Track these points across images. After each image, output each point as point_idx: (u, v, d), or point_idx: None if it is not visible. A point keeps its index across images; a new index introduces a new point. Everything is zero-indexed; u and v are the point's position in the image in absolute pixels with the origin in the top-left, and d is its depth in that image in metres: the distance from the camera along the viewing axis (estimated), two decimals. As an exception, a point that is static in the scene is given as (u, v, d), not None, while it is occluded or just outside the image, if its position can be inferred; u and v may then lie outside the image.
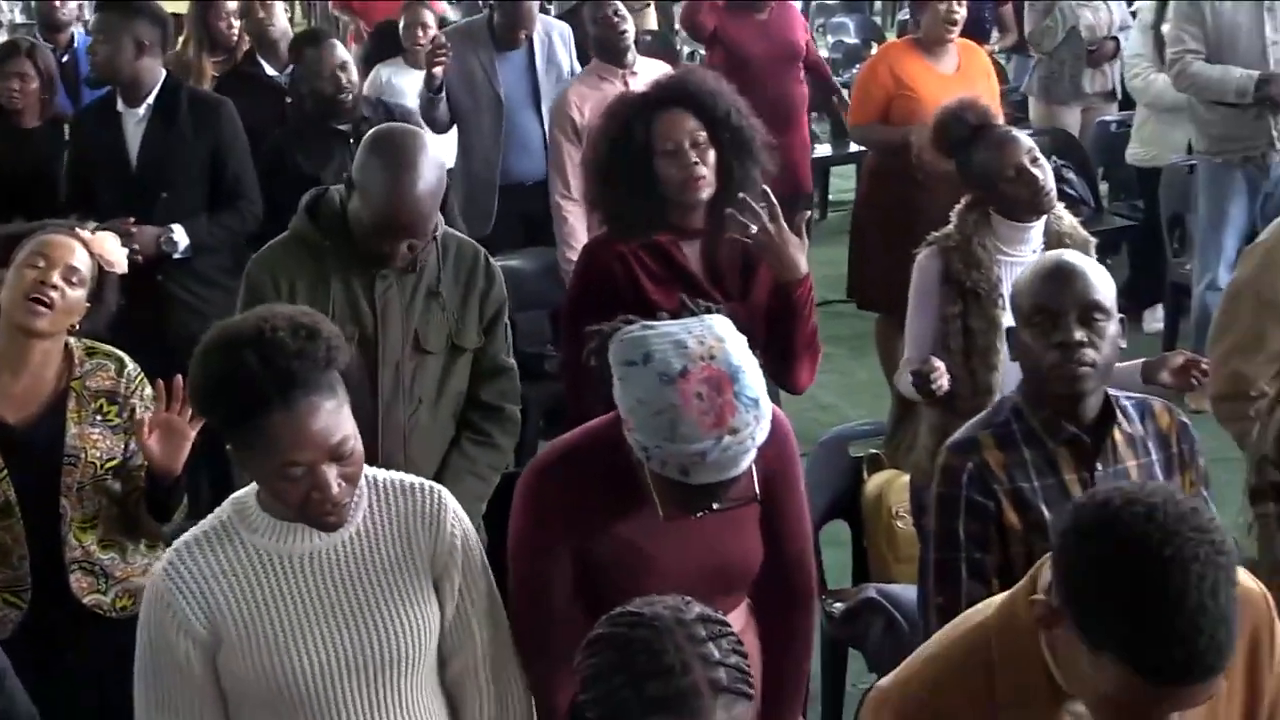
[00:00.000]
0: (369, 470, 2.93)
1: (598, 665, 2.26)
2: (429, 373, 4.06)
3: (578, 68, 7.41)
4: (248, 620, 2.79)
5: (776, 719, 3.26)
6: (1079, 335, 3.29)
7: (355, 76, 6.39)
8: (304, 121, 6.35)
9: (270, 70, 7.35)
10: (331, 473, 2.70)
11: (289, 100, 6.79)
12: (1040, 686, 2.28)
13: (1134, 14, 8.99)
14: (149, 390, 3.83)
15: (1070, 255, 3.60)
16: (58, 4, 8.40)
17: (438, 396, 4.09)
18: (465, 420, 4.17)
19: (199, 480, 4.89)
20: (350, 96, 6.29)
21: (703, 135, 4.16)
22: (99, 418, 3.75)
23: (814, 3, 14.56)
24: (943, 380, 4.34)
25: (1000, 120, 4.90)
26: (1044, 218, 4.57)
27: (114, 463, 3.77)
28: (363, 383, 3.77)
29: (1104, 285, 3.46)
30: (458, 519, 2.97)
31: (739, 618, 3.19)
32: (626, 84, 6.46)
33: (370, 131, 4.04)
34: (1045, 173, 4.55)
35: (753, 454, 2.85)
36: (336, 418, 2.72)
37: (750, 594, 3.29)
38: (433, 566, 2.92)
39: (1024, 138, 4.71)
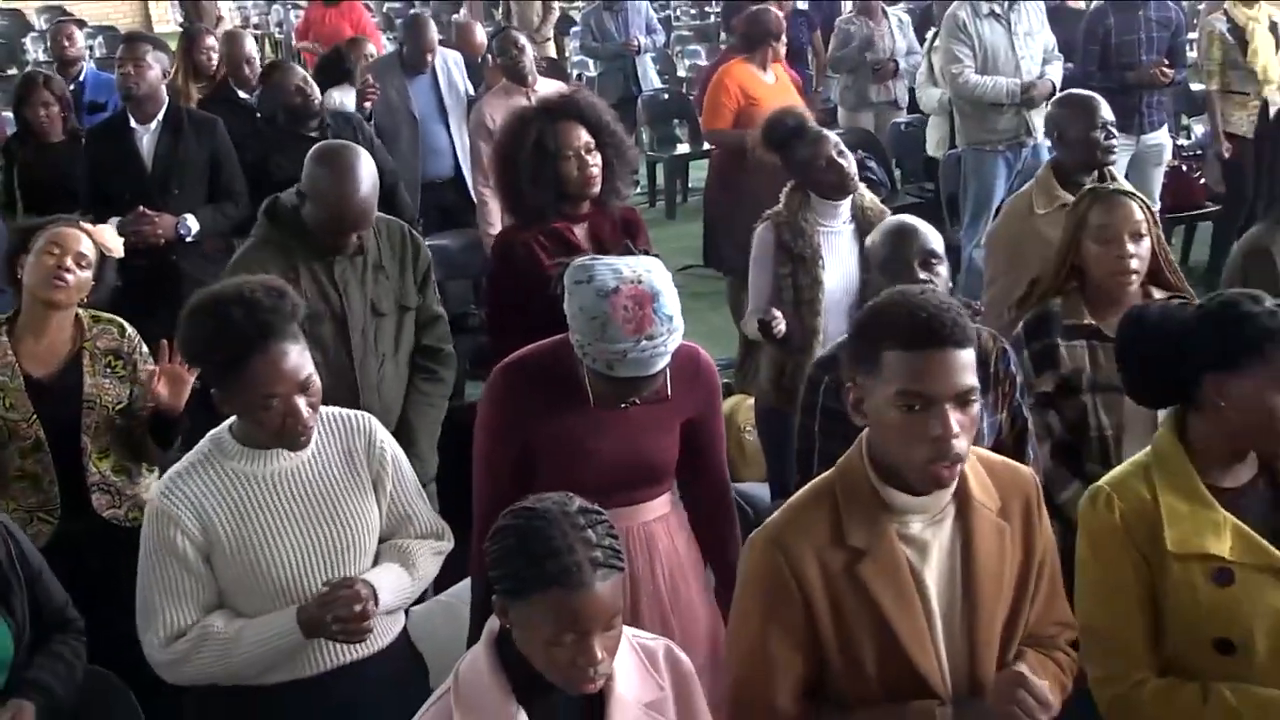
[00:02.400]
0: None
1: (502, 549, 2.25)
2: (386, 332, 4.07)
3: (471, 88, 7.49)
4: (234, 527, 2.85)
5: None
6: (923, 276, 3.35)
7: (316, 90, 6.35)
8: (279, 132, 6.26)
9: (242, 94, 7.27)
10: (301, 402, 2.81)
11: (259, 116, 6.71)
12: (871, 505, 2.35)
13: (921, 41, 9.06)
14: (145, 348, 3.88)
15: (909, 217, 3.64)
16: (67, 44, 8.29)
17: (395, 349, 4.11)
18: (414, 364, 4.19)
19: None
20: (315, 104, 6.27)
21: (592, 141, 4.18)
22: (109, 370, 3.80)
23: (673, 34, 14.55)
24: (780, 325, 4.44)
25: (813, 122, 4.96)
26: (850, 196, 4.64)
27: (122, 406, 3.80)
28: (340, 348, 3.93)
29: (936, 239, 3.53)
30: (385, 438, 3.07)
31: (663, 505, 3.24)
32: (529, 98, 6.44)
33: (314, 148, 4.00)
34: (849, 162, 4.61)
35: (666, 359, 2.92)
36: (302, 358, 2.83)
37: (686, 493, 3.33)
38: (370, 474, 3.00)
39: (832, 135, 4.78)
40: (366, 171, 3.86)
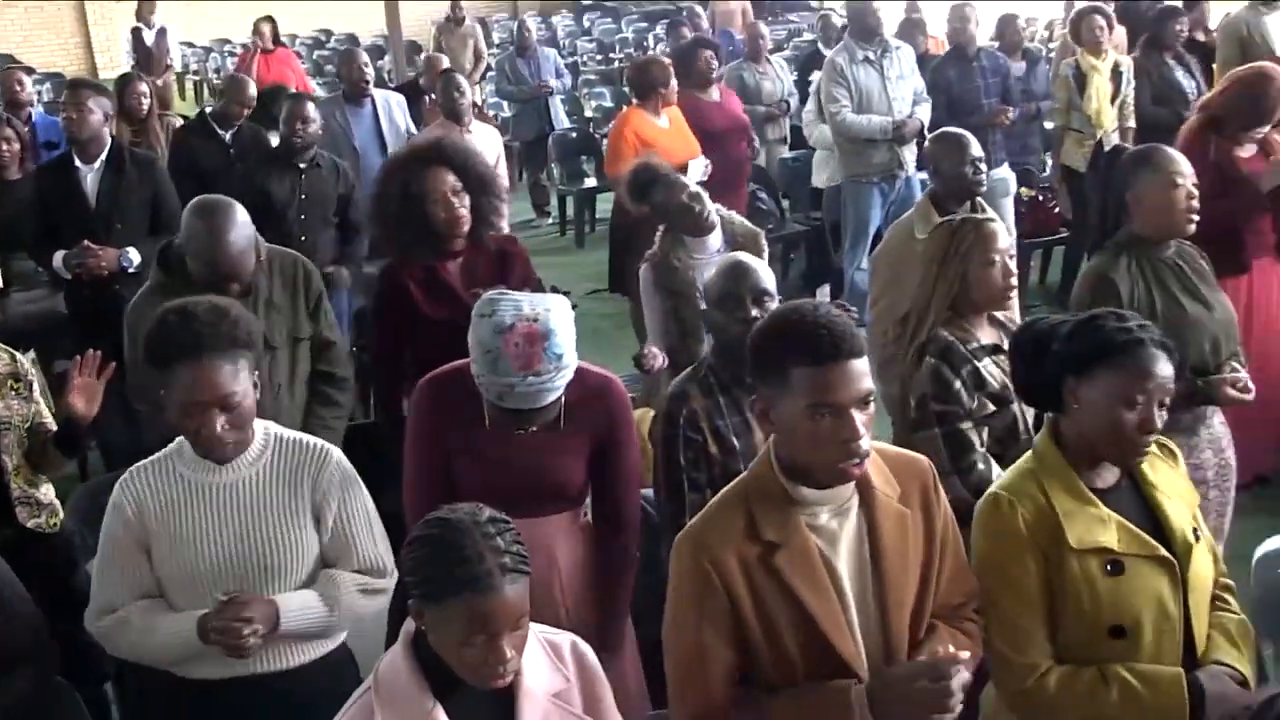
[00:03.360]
0: (277, 429, 2.97)
1: (417, 557, 2.23)
2: (281, 363, 4.01)
3: (413, 127, 7.46)
4: (170, 527, 2.83)
5: (612, 613, 3.26)
6: (755, 313, 3.36)
7: (317, 125, 6.24)
8: (273, 160, 6.24)
9: (219, 129, 7.37)
10: (220, 419, 2.75)
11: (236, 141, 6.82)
12: (780, 501, 2.37)
13: (807, 83, 9.12)
14: (35, 369, 3.82)
15: (744, 256, 3.66)
16: (17, 89, 8.15)
17: (291, 379, 4.05)
18: (312, 389, 4.13)
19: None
20: (313, 138, 6.17)
21: (459, 184, 4.08)
22: (13, 393, 3.65)
23: (579, 78, 14.56)
24: (655, 363, 4.52)
25: (668, 170, 5.00)
26: (718, 229, 4.66)
27: (27, 424, 3.67)
28: None
29: (768, 276, 3.54)
30: (339, 467, 2.97)
31: (568, 520, 3.22)
32: (463, 136, 6.51)
33: (192, 201, 3.94)
34: (703, 202, 4.64)
35: (554, 394, 2.92)
36: (231, 378, 2.76)
37: (594, 519, 3.29)
38: (313, 503, 2.92)
39: (684, 180, 4.83)
40: (238, 227, 3.80)
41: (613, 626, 3.26)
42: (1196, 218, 3.93)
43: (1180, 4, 8.87)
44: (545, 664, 2.39)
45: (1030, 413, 3.50)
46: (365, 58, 7.76)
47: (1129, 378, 2.52)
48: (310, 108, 6.24)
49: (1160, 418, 2.55)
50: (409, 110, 7.92)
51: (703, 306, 4.43)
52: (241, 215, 3.84)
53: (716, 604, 2.34)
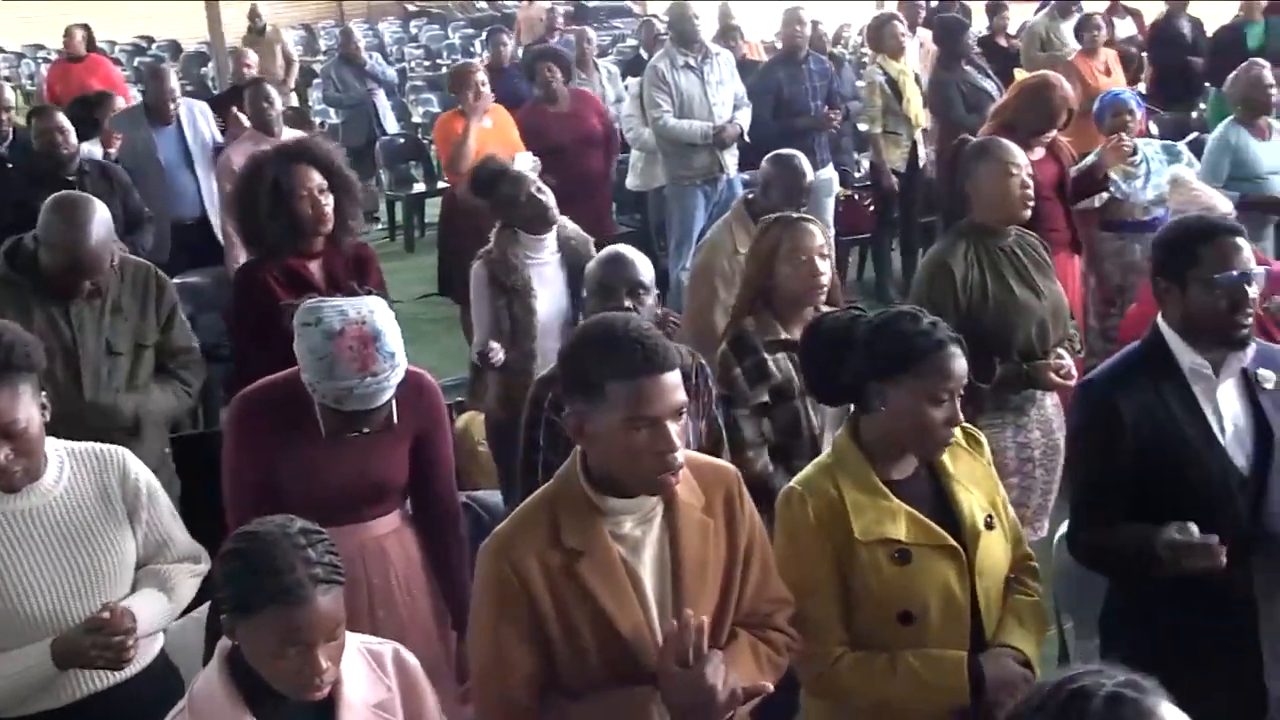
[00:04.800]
0: (67, 444, 2.83)
1: (228, 571, 2.20)
2: (121, 369, 3.94)
3: (218, 135, 7.28)
4: None
5: (456, 605, 3.22)
6: (629, 303, 3.43)
7: (74, 136, 6.12)
8: (38, 175, 5.95)
9: None
10: (3, 448, 2.60)
11: (7, 163, 6.52)
12: (585, 509, 2.36)
13: (626, 87, 9.16)
14: None
15: (624, 248, 3.72)
16: None
17: (130, 386, 3.96)
18: (161, 373, 4.07)
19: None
20: (73, 150, 6.05)
21: (325, 183, 4.12)
22: None
23: (408, 84, 14.41)
24: (497, 357, 4.49)
25: (512, 166, 5.02)
26: (554, 229, 4.66)
27: None
28: (70, 382, 3.77)
29: (646, 270, 3.58)
30: (139, 470, 2.91)
31: (394, 520, 3.19)
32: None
33: (51, 197, 3.87)
34: (548, 198, 4.65)
35: (389, 392, 2.91)
36: (11, 403, 2.59)
37: (416, 508, 3.27)
38: (127, 507, 2.84)
39: (530, 175, 4.82)
40: (99, 221, 3.76)
41: (465, 613, 3.25)
42: (1032, 204, 4.16)
43: (960, 14, 9.23)
44: (366, 674, 2.36)
45: (815, 408, 3.61)
46: (174, 80, 7.45)
47: (934, 380, 2.60)
48: (60, 118, 6.13)
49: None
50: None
51: (535, 305, 4.49)
52: (102, 212, 3.81)
53: (518, 610, 2.33)
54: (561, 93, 7.56)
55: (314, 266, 4.17)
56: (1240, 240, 2.85)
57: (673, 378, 2.28)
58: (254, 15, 12.35)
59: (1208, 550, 2.64)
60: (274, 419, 3.01)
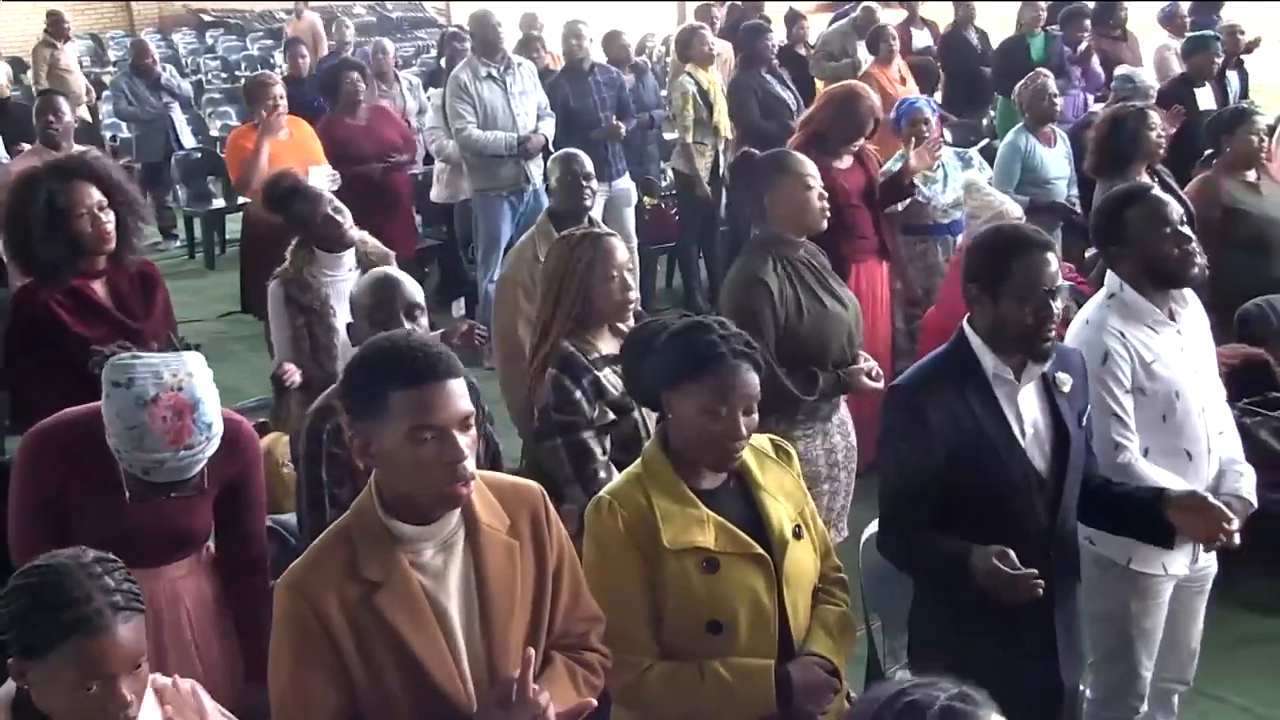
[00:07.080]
0: None
1: (14, 609, 2.06)
2: None
3: (4, 155, 6.95)
4: None
5: (255, 651, 3.05)
6: (408, 325, 3.33)
7: None
8: None
9: None
10: None
11: None
12: (382, 539, 2.26)
13: (429, 98, 9.03)
14: None
15: (392, 270, 3.65)
16: None
17: None
18: None
19: None
20: None
21: (104, 200, 3.93)
22: None
23: (204, 96, 13.97)
24: (293, 378, 4.38)
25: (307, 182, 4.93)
26: (353, 247, 4.56)
27: None
28: None
29: (417, 291, 3.49)
30: None
31: (192, 563, 3.06)
32: None
33: None
34: (345, 217, 4.55)
35: (202, 464, 2.76)
36: None
37: (220, 548, 3.15)
38: None
39: (327, 194, 4.73)
40: None
41: (260, 659, 3.11)
42: (828, 214, 4.22)
43: (765, 22, 9.35)
44: (155, 709, 2.25)
45: (653, 418, 3.56)
46: None
47: (711, 391, 2.58)
48: None
49: (747, 425, 2.61)
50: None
51: (335, 323, 4.35)
52: None
53: (317, 648, 2.23)
54: (361, 105, 7.45)
55: (98, 286, 3.99)
56: (1050, 255, 2.93)
57: (456, 385, 2.21)
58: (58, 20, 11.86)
59: (1027, 584, 2.69)
60: (71, 460, 2.84)
